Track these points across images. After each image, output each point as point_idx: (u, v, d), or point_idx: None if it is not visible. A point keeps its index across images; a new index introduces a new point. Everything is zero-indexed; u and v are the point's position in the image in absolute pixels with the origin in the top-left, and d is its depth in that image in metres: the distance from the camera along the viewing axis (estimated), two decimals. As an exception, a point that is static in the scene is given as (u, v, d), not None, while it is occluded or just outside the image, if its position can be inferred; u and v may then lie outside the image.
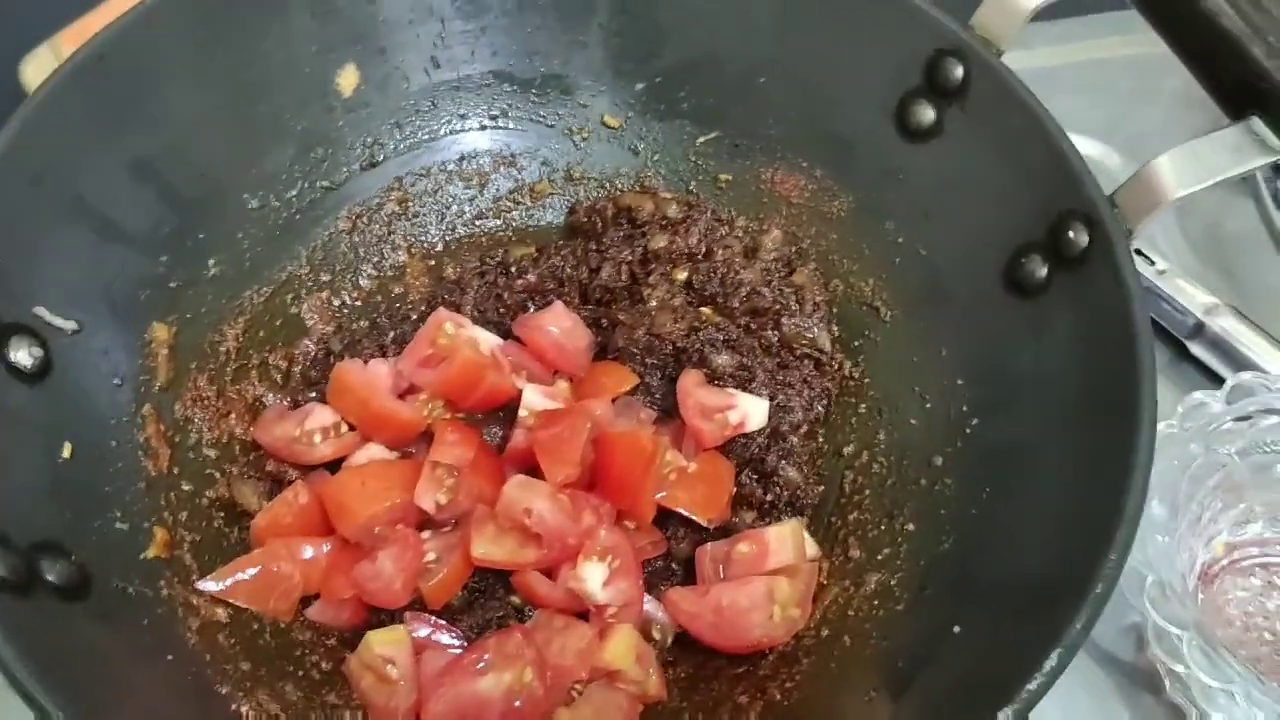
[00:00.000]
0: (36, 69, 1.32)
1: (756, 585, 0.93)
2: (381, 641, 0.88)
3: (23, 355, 0.86)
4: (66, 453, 0.87)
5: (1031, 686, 0.73)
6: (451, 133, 1.18)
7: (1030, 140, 0.95)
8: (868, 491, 1.02)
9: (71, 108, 0.92)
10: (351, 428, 1.02)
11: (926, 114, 1.04)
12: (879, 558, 0.97)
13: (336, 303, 1.12)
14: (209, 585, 0.91)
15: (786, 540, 0.96)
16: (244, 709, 0.84)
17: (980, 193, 1.01)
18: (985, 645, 0.82)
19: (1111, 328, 0.86)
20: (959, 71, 1.00)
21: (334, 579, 0.93)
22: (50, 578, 0.78)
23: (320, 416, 1.02)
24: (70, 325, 0.91)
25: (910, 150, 1.06)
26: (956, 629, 0.84)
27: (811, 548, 0.99)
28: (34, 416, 0.86)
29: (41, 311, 0.89)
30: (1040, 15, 0.99)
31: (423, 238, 1.17)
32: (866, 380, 1.08)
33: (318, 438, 1.01)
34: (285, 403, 1.06)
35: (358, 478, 0.96)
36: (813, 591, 0.96)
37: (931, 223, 1.05)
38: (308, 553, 0.95)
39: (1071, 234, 0.91)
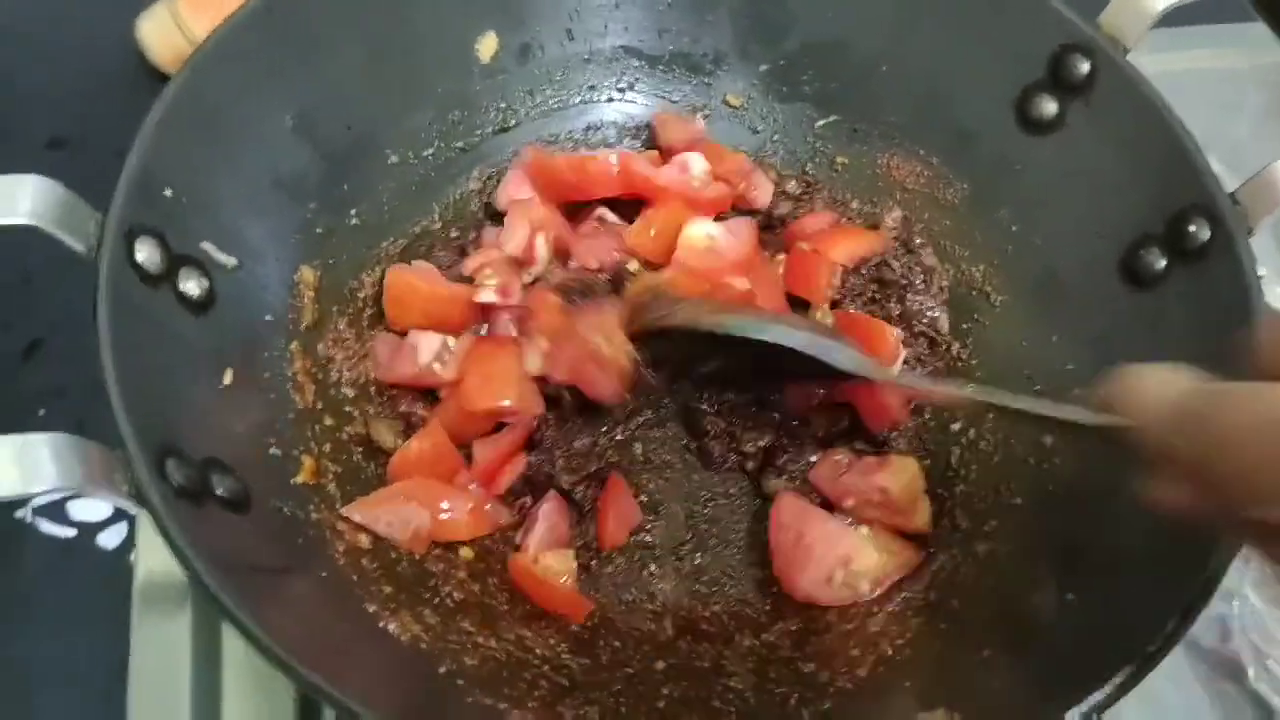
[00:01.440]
0: (153, 27, 1.38)
1: (842, 541, 0.98)
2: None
3: (191, 286, 0.90)
4: (228, 380, 0.92)
5: (1151, 649, 0.77)
6: (581, 103, 1.22)
7: (1153, 136, 0.99)
8: (974, 466, 1.06)
9: (241, 54, 0.97)
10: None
11: (1048, 107, 1.07)
12: (986, 529, 1.00)
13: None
14: (353, 513, 0.95)
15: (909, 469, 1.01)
16: (390, 626, 0.88)
17: (1098, 185, 1.04)
18: (1101, 612, 0.85)
19: (1230, 320, 0.89)
20: (1085, 67, 1.03)
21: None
22: (219, 491, 0.82)
23: (428, 345, 1.07)
24: (231, 262, 0.95)
25: (1029, 142, 1.09)
26: (1069, 596, 0.88)
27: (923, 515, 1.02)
28: (200, 344, 0.90)
29: (208, 246, 0.93)
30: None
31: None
32: (974, 362, 1.12)
33: (437, 366, 1.06)
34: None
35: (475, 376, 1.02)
36: (893, 575, 1.00)
37: (1047, 212, 1.08)
38: (443, 504, 1.01)
39: (1192, 228, 0.95)
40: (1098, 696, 0.76)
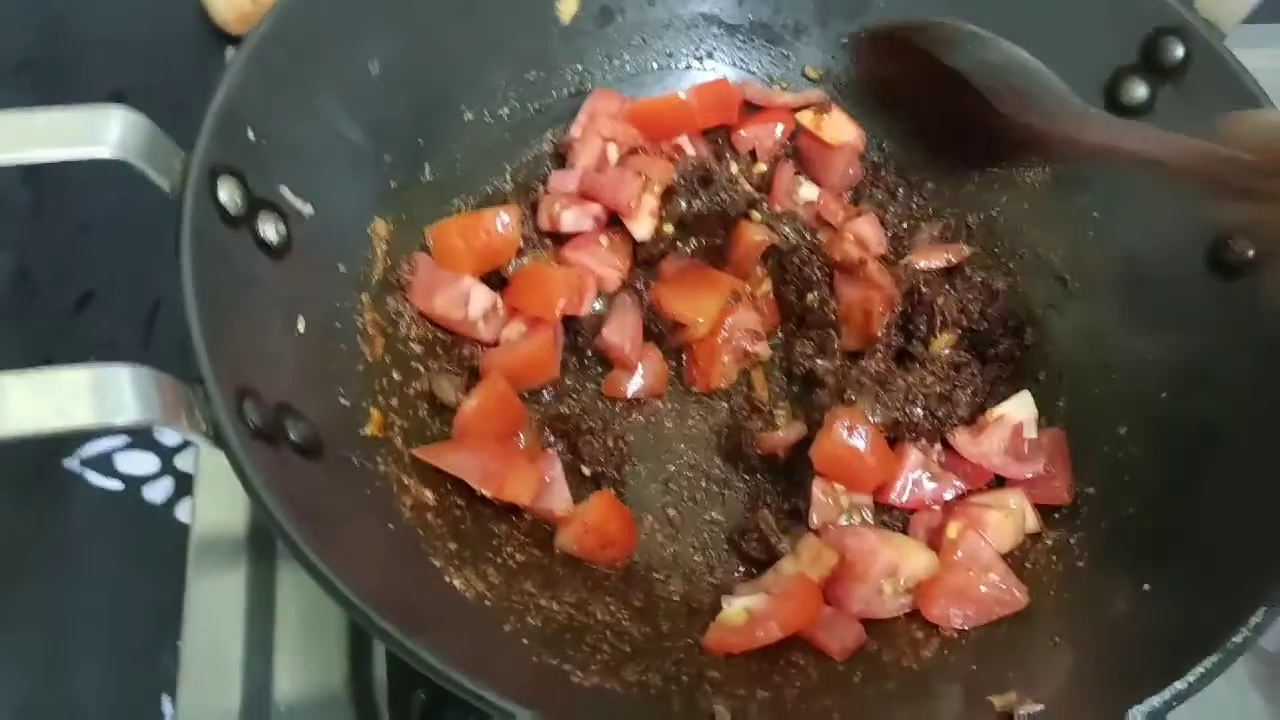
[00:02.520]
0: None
1: (883, 551, 0.95)
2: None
3: (269, 230, 0.90)
4: (301, 327, 0.91)
5: (1236, 639, 0.75)
6: (658, 69, 1.21)
7: (1246, 124, 0.96)
8: (1049, 456, 1.04)
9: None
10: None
11: (1139, 90, 1.05)
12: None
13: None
14: (424, 455, 0.96)
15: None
16: (455, 582, 0.87)
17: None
18: (1178, 604, 0.83)
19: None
20: (1179, 51, 1.01)
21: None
22: (293, 435, 0.82)
23: (479, 300, 1.06)
24: (308, 209, 0.94)
25: (1118, 126, 1.06)
26: (1146, 587, 0.86)
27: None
28: (277, 289, 0.89)
29: (286, 191, 0.93)
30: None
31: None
32: (1047, 349, 1.10)
33: (481, 324, 1.06)
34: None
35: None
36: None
37: (1131, 199, 1.06)
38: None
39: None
40: (1172, 690, 0.74)
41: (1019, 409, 1.04)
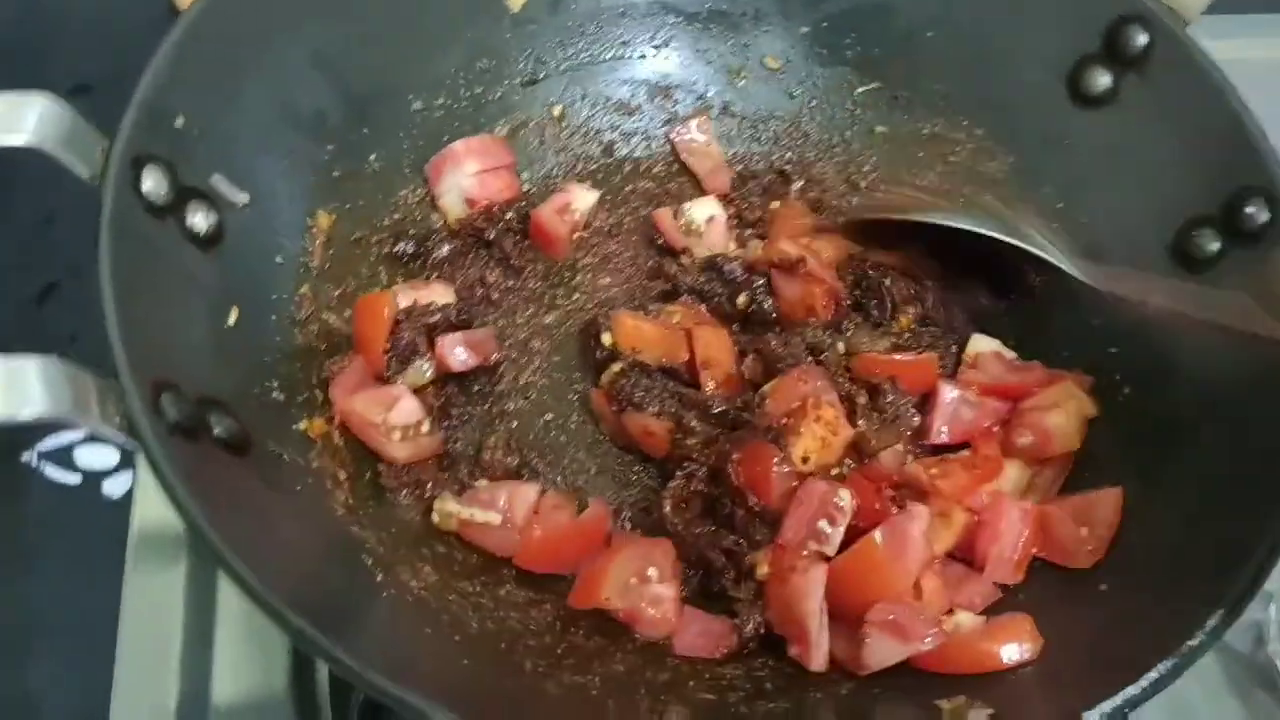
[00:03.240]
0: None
1: None
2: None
3: (199, 220, 0.87)
4: (232, 319, 0.89)
5: (1192, 643, 0.72)
6: (612, 59, 1.18)
7: (1211, 114, 0.95)
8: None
9: (261, -14, 0.93)
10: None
11: (1102, 80, 1.03)
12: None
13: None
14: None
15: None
16: (384, 579, 0.85)
17: (1151, 163, 1.00)
18: (1137, 604, 0.81)
19: (1289, 308, 0.85)
20: (1142, 39, 0.99)
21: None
22: (217, 431, 0.79)
23: (405, 410, 0.97)
24: (243, 198, 0.92)
25: (1079, 115, 1.05)
26: (1103, 587, 0.83)
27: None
28: (205, 280, 0.87)
29: (219, 180, 0.90)
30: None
31: (574, 156, 1.18)
32: (1010, 343, 1.07)
33: (396, 435, 0.96)
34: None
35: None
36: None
37: (1094, 189, 1.04)
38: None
39: (1250, 210, 0.91)
40: (1125, 695, 0.72)
41: (985, 343, 1.04)
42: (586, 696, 0.81)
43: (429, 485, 0.96)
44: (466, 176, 1.09)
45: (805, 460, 0.90)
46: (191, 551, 1.04)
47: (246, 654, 1.01)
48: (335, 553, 0.85)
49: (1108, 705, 0.72)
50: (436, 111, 1.10)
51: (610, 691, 0.82)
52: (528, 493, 0.94)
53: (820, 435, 0.90)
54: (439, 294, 1.04)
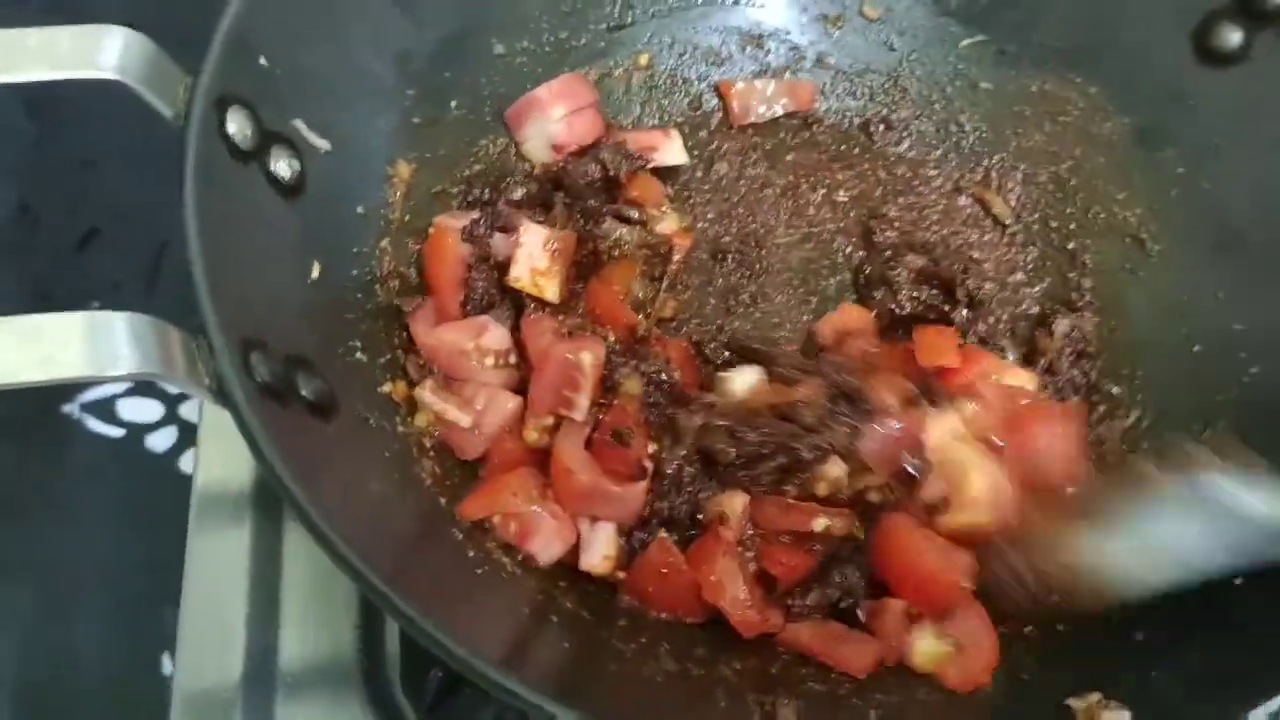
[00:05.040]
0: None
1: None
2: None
3: (282, 166, 0.83)
4: (315, 273, 0.84)
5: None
6: (704, 3, 1.12)
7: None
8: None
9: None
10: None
11: (1232, 36, 0.97)
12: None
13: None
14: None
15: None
16: (478, 555, 0.81)
17: (1286, 127, 0.93)
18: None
19: None
20: (1281, -5, 0.92)
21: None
22: (305, 392, 0.75)
23: (495, 336, 0.93)
24: (324, 145, 0.87)
25: (1206, 75, 0.99)
26: (1238, 580, 0.78)
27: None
28: (288, 229, 0.83)
29: (301, 126, 0.85)
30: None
31: (660, 108, 1.12)
32: (1115, 321, 1.01)
33: (490, 360, 0.93)
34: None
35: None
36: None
37: (1222, 155, 0.98)
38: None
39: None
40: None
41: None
42: (690, 683, 0.77)
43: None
44: (553, 122, 1.04)
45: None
46: (256, 513, 1.00)
47: (314, 618, 0.97)
48: (425, 524, 0.80)
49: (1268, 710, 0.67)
50: (519, 56, 1.05)
51: (715, 680, 0.77)
52: (505, 402, 0.89)
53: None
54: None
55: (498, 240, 0.95)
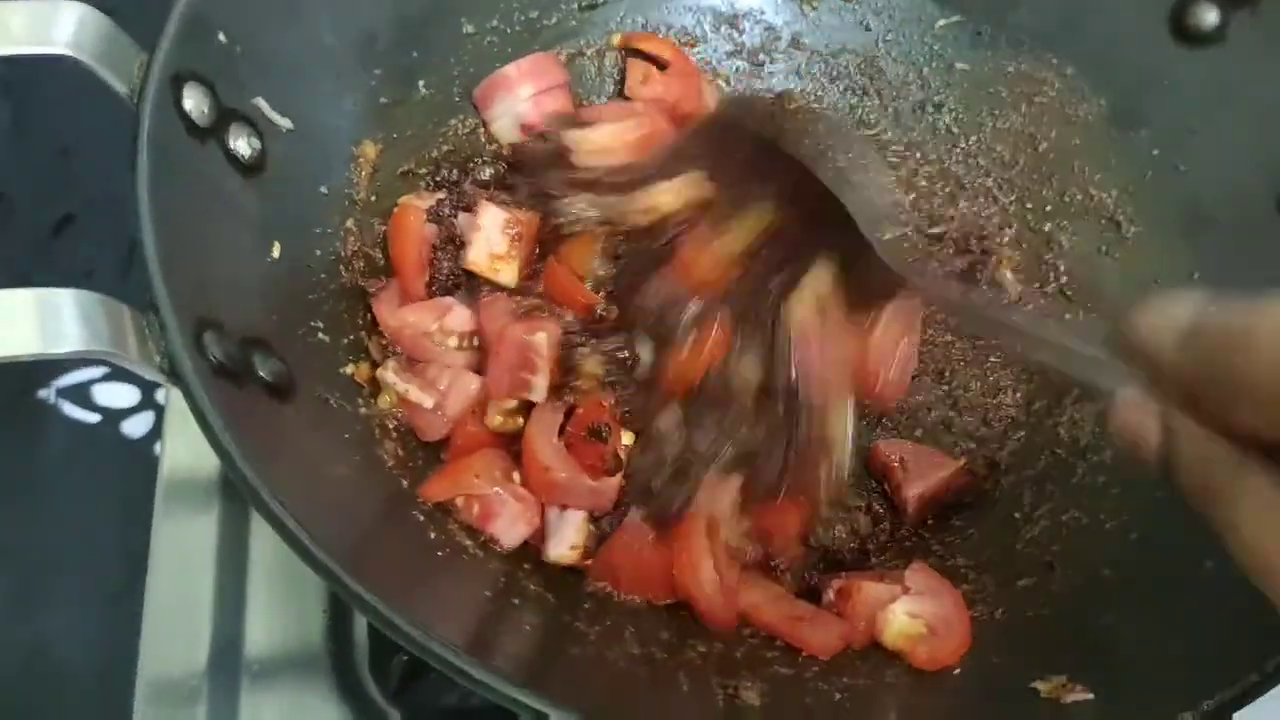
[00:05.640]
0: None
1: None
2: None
3: (241, 145, 0.81)
4: (275, 253, 0.83)
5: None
6: (683, -21, 1.11)
7: (1333, 58, 0.87)
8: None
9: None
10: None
11: (1209, 16, 0.95)
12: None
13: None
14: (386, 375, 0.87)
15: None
16: (441, 537, 0.80)
17: (1260, 108, 0.93)
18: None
19: None
20: (1256, -26, 0.91)
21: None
22: (262, 373, 0.74)
23: (459, 317, 0.92)
24: (286, 124, 0.86)
25: (1182, 55, 0.97)
26: (1208, 563, 0.77)
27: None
28: (248, 208, 0.81)
29: (261, 103, 0.84)
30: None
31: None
32: (1090, 302, 1.01)
33: (452, 341, 0.92)
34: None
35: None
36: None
37: (1196, 137, 0.97)
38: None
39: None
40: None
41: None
42: (654, 667, 0.76)
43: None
44: (521, 101, 1.02)
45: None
46: (224, 498, 0.99)
47: (281, 605, 0.96)
48: (390, 508, 0.80)
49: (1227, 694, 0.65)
50: (489, 36, 1.03)
51: (680, 663, 0.77)
52: (469, 383, 0.88)
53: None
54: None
55: (463, 220, 0.94)
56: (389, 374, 0.86)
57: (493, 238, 0.91)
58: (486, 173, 1.00)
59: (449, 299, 0.92)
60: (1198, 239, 0.95)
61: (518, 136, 1.03)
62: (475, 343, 0.91)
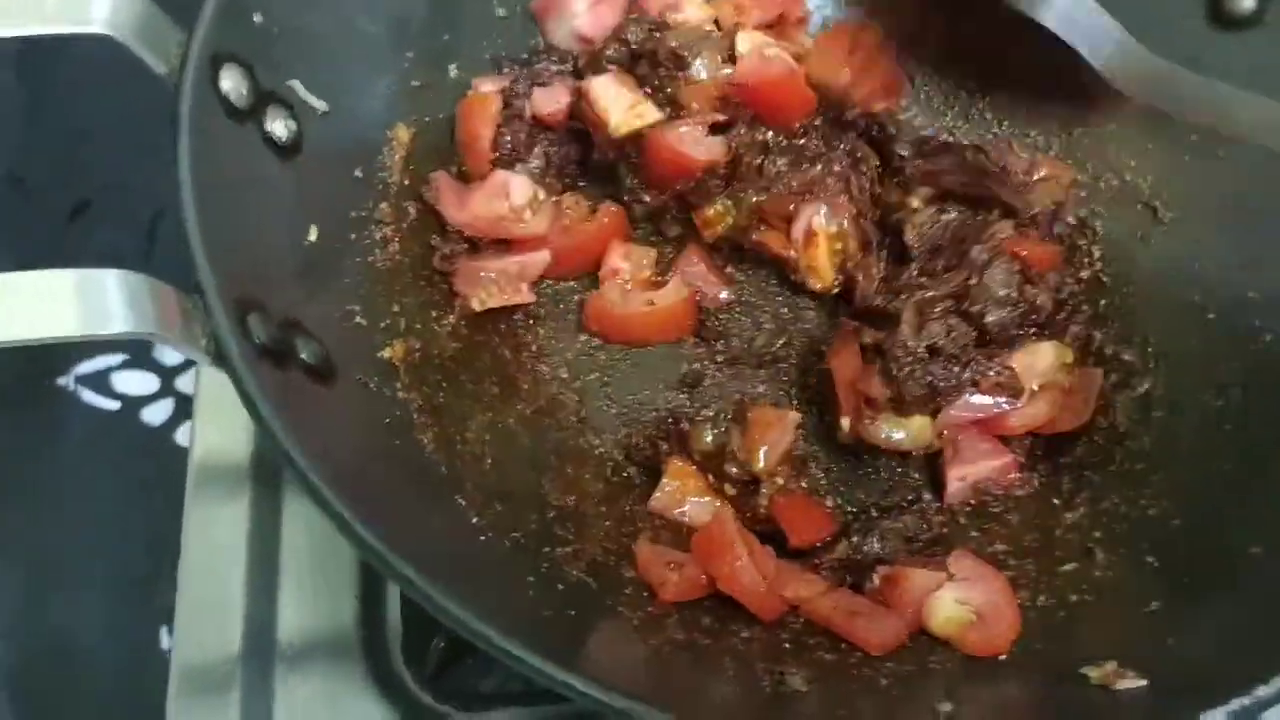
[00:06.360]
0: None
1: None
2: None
3: (278, 127, 0.81)
4: (313, 236, 0.83)
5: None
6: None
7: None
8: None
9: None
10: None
11: (1245, 1, 0.94)
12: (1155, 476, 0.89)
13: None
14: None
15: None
16: (482, 522, 0.79)
17: (1299, 93, 0.91)
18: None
19: None
20: (1294, -42, 0.91)
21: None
22: (304, 355, 0.74)
23: (521, 188, 0.96)
24: (322, 106, 0.86)
25: (1219, 39, 0.97)
26: (1254, 549, 0.77)
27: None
28: (285, 190, 0.81)
29: (297, 85, 0.84)
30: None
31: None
32: (1128, 288, 1.00)
33: (528, 213, 0.95)
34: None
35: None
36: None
37: (1235, 121, 0.95)
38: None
39: None
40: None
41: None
42: (698, 652, 0.76)
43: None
44: (577, 16, 1.02)
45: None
46: (255, 484, 0.99)
47: (313, 590, 0.96)
48: (427, 491, 0.79)
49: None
50: (520, 19, 1.03)
51: (724, 649, 0.76)
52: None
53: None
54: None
55: (538, 95, 0.97)
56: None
57: (618, 93, 0.95)
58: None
59: (501, 175, 0.95)
60: (1238, 225, 0.94)
61: (576, 47, 1.03)
62: (541, 197, 0.96)
